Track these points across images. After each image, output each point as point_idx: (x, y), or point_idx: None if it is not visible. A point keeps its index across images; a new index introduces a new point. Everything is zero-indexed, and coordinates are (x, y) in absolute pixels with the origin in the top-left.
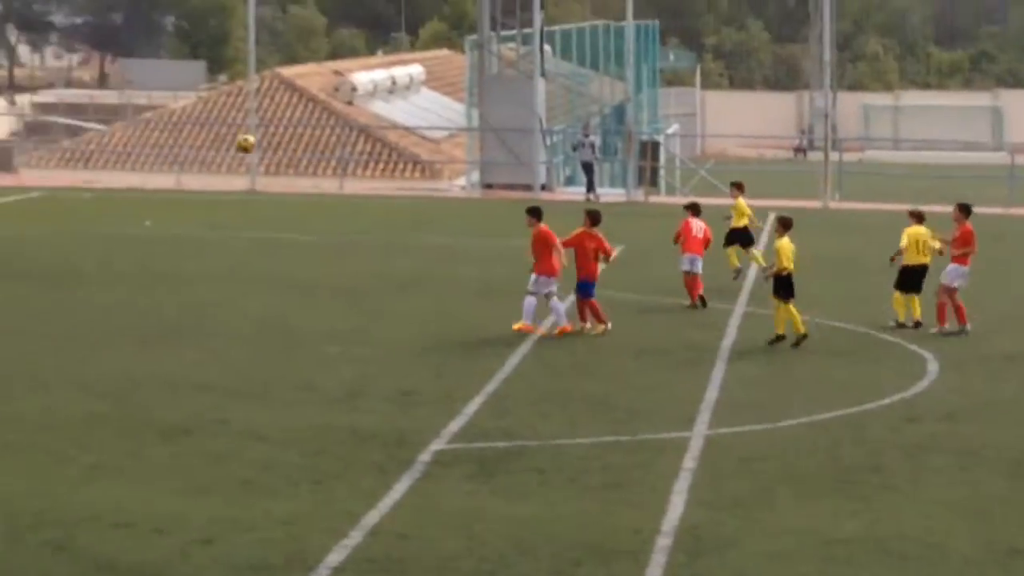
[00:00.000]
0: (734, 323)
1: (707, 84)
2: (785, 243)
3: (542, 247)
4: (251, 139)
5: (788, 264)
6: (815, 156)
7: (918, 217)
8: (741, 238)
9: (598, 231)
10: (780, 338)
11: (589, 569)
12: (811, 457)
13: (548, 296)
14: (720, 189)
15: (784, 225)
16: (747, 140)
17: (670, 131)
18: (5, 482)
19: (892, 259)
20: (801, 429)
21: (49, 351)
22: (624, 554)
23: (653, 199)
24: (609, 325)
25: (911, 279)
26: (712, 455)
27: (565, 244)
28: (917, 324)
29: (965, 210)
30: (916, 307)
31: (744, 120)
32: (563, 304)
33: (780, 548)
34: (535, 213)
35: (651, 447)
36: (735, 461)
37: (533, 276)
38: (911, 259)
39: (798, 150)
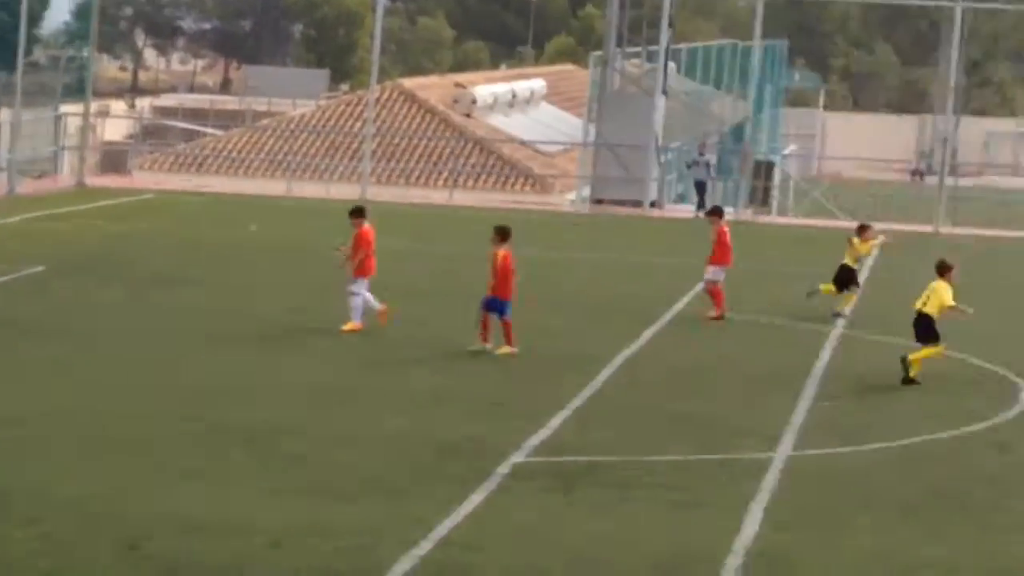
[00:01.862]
0: (828, 345)
1: (831, 105)
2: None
3: (365, 247)
4: None
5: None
6: (932, 180)
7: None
8: (848, 278)
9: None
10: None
11: None
12: (893, 482)
13: (351, 294)
14: (830, 211)
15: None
16: (864, 163)
17: (787, 151)
18: (82, 482)
19: None
20: (886, 453)
21: (139, 352)
22: (694, 574)
23: (762, 219)
24: (516, 349)
25: None
26: (793, 476)
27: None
28: None
29: None
30: None
31: (863, 142)
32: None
33: (854, 572)
34: (360, 213)
35: (733, 466)
36: (816, 482)
37: (354, 278)
38: None
39: (915, 173)
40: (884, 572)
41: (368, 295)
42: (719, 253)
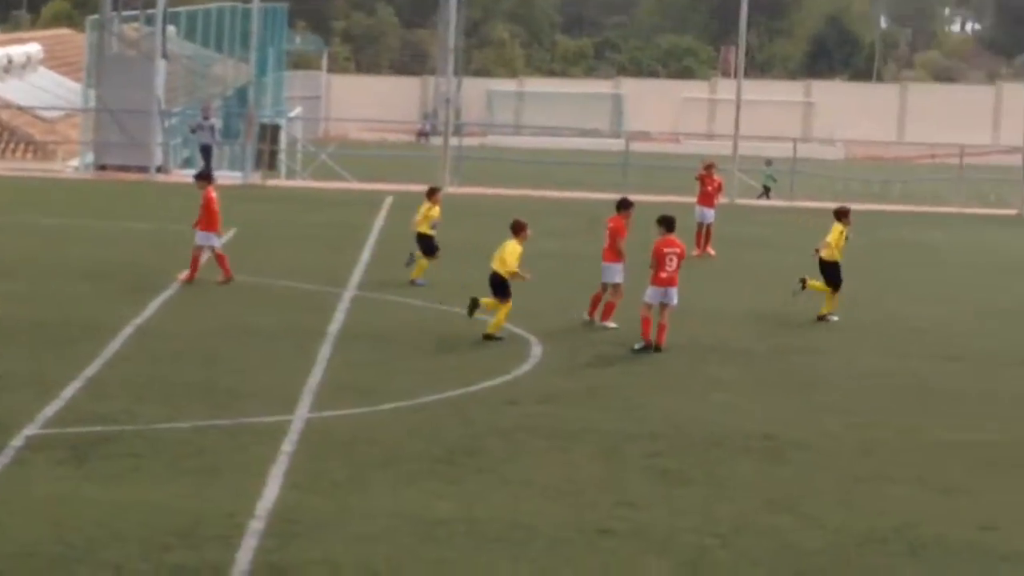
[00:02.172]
0: (342, 307)
1: (334, 68)
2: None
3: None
4: None
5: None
6: (437, 141)
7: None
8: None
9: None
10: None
11: (179, 554)
12: (410, 440)
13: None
14: (339, 173)
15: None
16: (370, 124)
17: (292, 114)
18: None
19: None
20: (403, 412)
21: None
22: (215, 539)
23: (271, 183)
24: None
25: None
26: (311, 438)
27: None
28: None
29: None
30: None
31: (369, 104)
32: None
33: (374, 530)
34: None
35: (250, 431)
36: (334, 444)
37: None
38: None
39: (421, 134)
40: (405, 529)
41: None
42: (206, 219)
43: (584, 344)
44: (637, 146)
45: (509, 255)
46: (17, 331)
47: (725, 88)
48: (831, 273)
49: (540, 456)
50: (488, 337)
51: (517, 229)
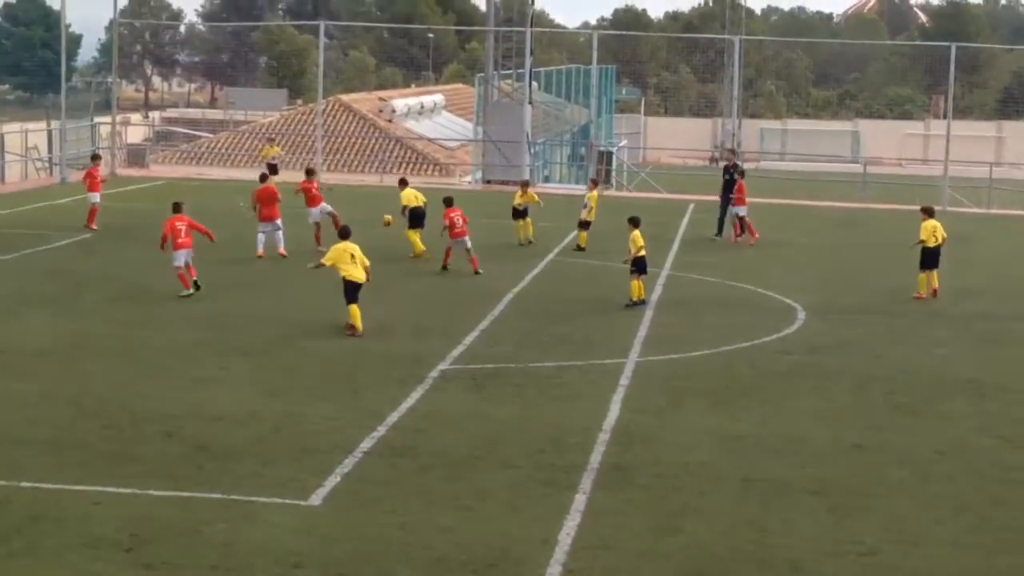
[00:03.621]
0: (659, 282)
1: (649, 112)
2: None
3: (270, 199)
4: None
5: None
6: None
7: (929, 212)
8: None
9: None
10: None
11: (549, 456)
12: (712, 377)
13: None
14: (654, 186)
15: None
16: (675, 152)
17: (620, 144)
18: (133, 388)
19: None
20: (706, 358)
21: (167, 294)
22: (574, 445)
23: (606, 193)
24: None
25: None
26: (641, 375)
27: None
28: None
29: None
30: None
31: (674, 138)
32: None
33: (690, 441)
34: (273, 171)
35: (598, 369)
36: (657, 380)
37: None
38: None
39: (712, 160)
40: (713, 440)
41: (260, 236)
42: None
43: (837, 311)
44: (871, 169)
45: (632, 243)
46: (436, 298)
47: (936, 127)
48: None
49: (808, 391)
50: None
51: (637, 222)
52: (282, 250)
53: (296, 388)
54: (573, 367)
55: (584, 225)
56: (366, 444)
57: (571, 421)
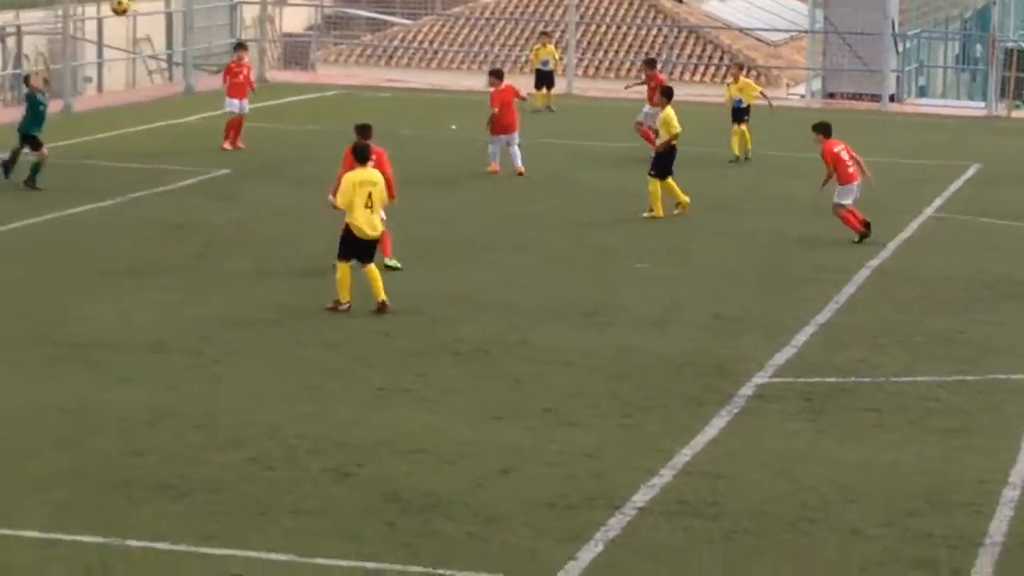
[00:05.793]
0: None
1: None
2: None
3: (509, 104)
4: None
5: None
6: None
7: None
8: None
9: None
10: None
11: (925, 521)
12: None
13: (510, 144)
14: None
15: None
16: None
17: None
18: (287, 404)
19: None
20: None
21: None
22: (964, 506)
23: (1016, 115)
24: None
25: None
26: None
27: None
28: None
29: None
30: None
31: None
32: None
33: None
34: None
35: (1002, 388)
36: None
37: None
38: None
39: None
40: None
41: (492, 149)
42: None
43: None
44: None
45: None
46: (744, 272)
47: None
48: None
49: None
50: None
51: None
52: (520, 167)
53: (532, 407)
54: (962, 384)
55: None
56: (642, 496)
57: (959, 468)
